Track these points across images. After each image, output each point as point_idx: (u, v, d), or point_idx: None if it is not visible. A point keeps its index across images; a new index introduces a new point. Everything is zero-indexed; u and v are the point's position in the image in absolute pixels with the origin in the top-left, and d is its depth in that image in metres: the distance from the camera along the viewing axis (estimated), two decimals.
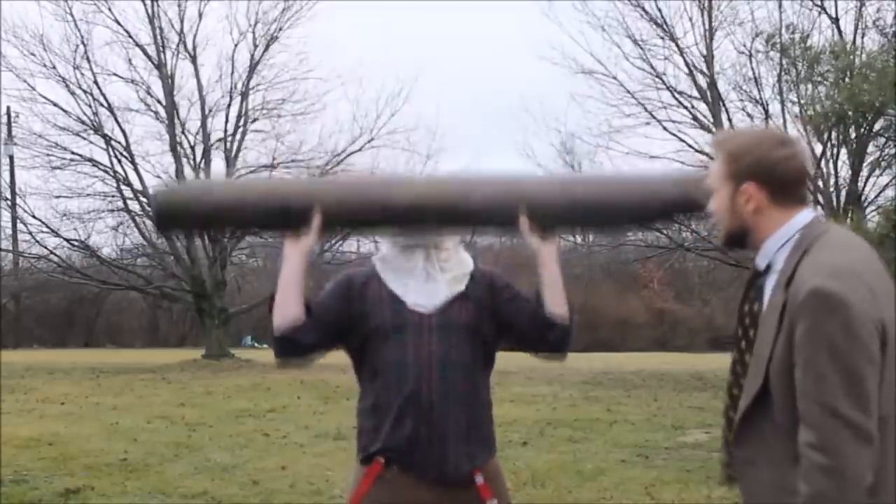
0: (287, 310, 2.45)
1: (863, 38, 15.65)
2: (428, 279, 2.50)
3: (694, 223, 2.61)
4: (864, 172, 15.67)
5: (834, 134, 14.85)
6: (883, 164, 15.48)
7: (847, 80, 13.14)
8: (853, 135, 14.82)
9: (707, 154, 17.10)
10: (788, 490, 1.77)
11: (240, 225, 2.56)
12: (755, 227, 1.93)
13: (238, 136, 20.74)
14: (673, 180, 2.49)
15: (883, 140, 15.08)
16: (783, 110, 16.28)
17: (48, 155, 20.06)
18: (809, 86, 14.77)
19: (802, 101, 15.08)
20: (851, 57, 13.92)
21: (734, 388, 1.96)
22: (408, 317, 2.46)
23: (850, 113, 12.83)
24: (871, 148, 15.40)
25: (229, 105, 20.65)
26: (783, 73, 15.82)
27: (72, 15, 19.55)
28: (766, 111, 16.63)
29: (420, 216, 2.43)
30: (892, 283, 1.86)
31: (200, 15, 20.36)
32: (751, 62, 16.65)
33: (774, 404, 1.80)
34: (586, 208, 2.44)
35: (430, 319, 2.46)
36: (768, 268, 1.92)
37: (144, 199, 20.40)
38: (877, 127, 14.45)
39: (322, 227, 2.43)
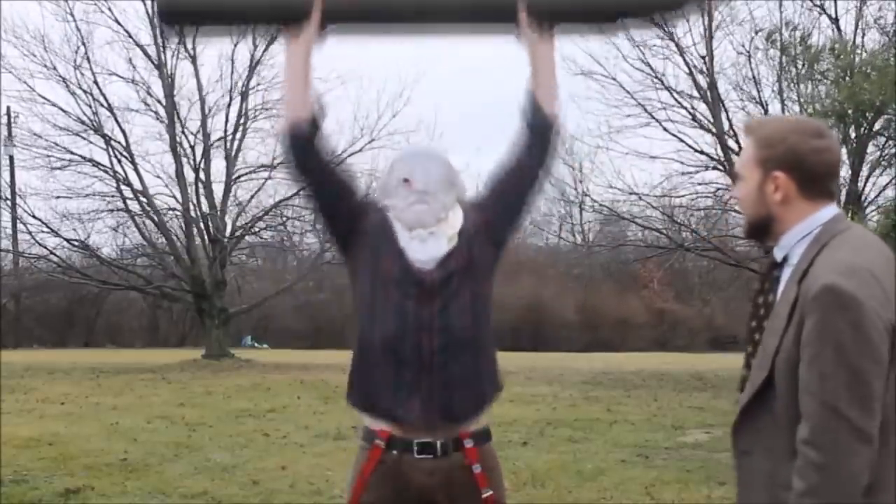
0: (294, 100, 2.49)
1: (863, 37, 15.67)
2: (430, 237, 2.53)
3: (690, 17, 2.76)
4: (864, 172, 15.68)
5: (834, 133, 14.83)
6: (883, 163, 15.48)
7: (847, 78, 13.14)
8: (853, 134, 14.82)
9: (707, 154, 17.17)
10: (781, 484, 1.76)
11: (241, 17, 2.53)
12: (779, 217, 1.90)
13: (238, 136, 20.75)
14: None
15: (883, 139, 15.07)
16: (783, 110, 16.28)
17: (48, 155, 20.06)
18: (809, 84, 14.76)
19: (802, 100, 15.08)
20: (852, 56, 13.92)
21: (747, 381, 1.93)
22: (410, 271, 2.49)
23: (850, 112, 12.82)
24: (870, 148, 15.41)
25: (229, 105, 20.66)
26: (783, 73, 15.84)
27: (72, 15, 19.55)
28: (766, 111, 16.64)
29: (422, 9, 2.44)
30: None
31: None
32: (750, 62, 16.66)
33: (777, 397, 1.79)
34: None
35: (430, 274, 2.49)
36: (785, 260, 1.90)
37: (144, 200, 20.42)
38: (877, 126, 14.44)
39: (322, 18, 2.42)
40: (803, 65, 14.80)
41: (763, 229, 1.94)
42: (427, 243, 2.53)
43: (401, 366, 2.45)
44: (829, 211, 1.88)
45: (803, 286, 1.77)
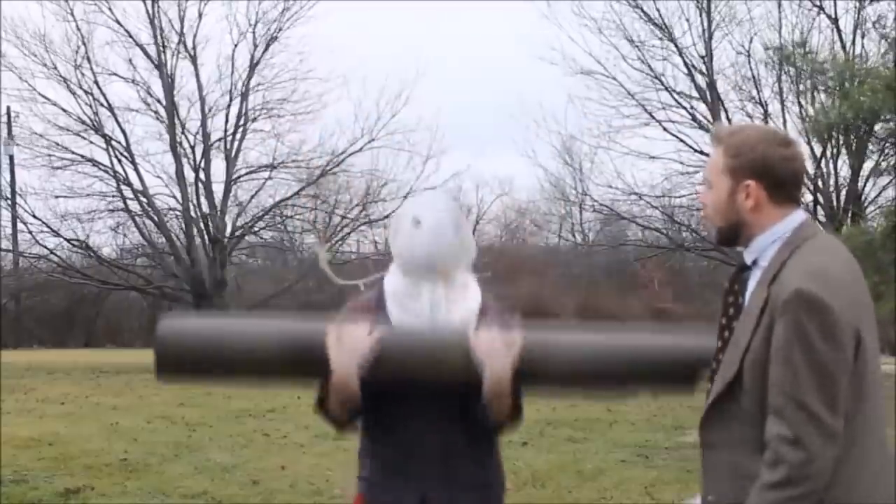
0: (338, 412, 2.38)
1: (863, 38, 15.67)
2: (435, 321, 2.39)
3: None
4: (865, 172, 15.70)
5: (835, 136, 14.85)
6: (883, 163, 15.49)
7: (847, 84, 13.13)
8: (853, 138, 14.82)
9: (707, 154, 17.18)
10: (745, 475, 1.84)
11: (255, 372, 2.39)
12: (750, 223, 1.95)
13: (238, 136, 20.75)
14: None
15: (883, 143, 15.05)
16: (783, 110, 16.33)
17: (48, 155, 20.08)
18: (813, 95, 14.78)
19: (805, 111, 15.14)
20: (853, 65, 13.93)
21: (716, 375, 2.00)
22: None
23: (851, 119, 12.81)
24: (870, 148, 15.40)
25: (229, 105, 20.67)
26: (782, 73, 15.84)
27: (73, 15, 19.58)
28: (766, 111, 16.67)
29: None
30: (868, 295, 1.92)
31: (200, 15, 20.37)
32: (750, 62, 16.68)
33: (744, 393, 1.86)
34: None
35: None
36: (754, 263, 1.96)
37: (144, 200, 20.44)
38: (877, 128, 14.44)
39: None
40: (806, 76, 14.80)
41: (734, 235, 2.00)
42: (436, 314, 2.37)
43: (404, 461, 2.39)
44: (799, 216, 1.95)
45: (773, 289, 1.84)
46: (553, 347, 2.34)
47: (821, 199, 15.87)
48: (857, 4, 15.60)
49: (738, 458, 1.88)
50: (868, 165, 15.66)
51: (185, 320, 2.43)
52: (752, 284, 1.94)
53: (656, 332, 2.45)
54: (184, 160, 20.34)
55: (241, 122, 20.74)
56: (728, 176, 1.96)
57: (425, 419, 2.38)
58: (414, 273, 2.39)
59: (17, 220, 21.55)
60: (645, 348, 2.37)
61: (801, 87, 15.50)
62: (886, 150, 15.14)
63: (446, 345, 2.29)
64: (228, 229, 21.11)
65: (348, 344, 2.26)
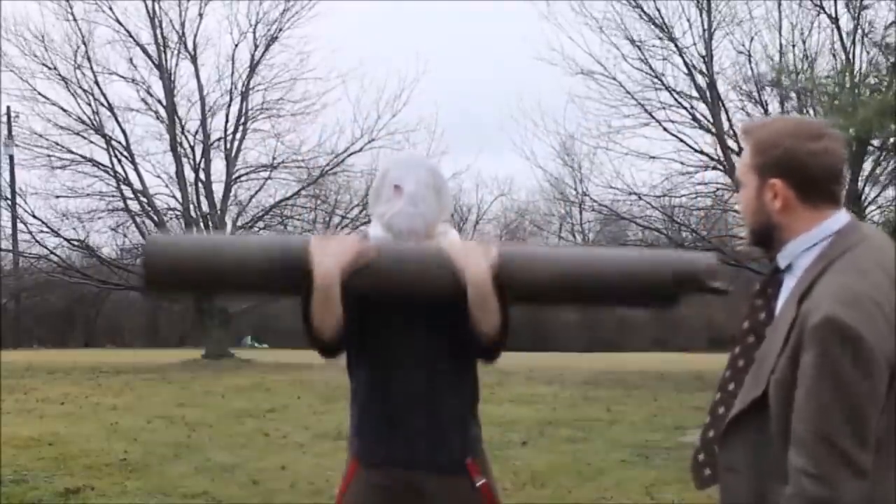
0: (323, 326, 2.40)
1: (863, 37, 15.65)
2: None
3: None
4: (864, 173, 15.69)
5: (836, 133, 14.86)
6: (879, 170, 15.51)
7: (844, 97, 13.13)
8: (852, 148, 14.81)
9: (707, 154, 17.17)
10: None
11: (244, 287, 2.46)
12: (781, 225, 1.81)
13: (238, 136, 20.75)
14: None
15: (879, 153, 15.04)
16: (783, 110, 16.28)
17: (48, 155, 20.07)
18: (812, 108, 14.79)
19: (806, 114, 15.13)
20: (849, 76, 13.96)
21: (731, 383, 1.87)
22: (395, 323, 2.45)
23: (850, 137, 12.81)
24: (869, 150, 15.40)
25: (229, 105, 20.65)
26: (783, 71, 15.84)
27: (73, 14, 19.57)
28: (766, 111, 16.64)
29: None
30: None
31: (201, 15, 20.35)
32: (750, 62, 16.67)
33: (770, 416, 1.74)
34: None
35: (418, 322, 2.44)
36: (789, 267, 1.83)
37: (144, 200, 20.44)
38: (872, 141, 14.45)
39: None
40: (807, 93, 14.82)
41: (766, 237, 1.86)
42: None
43: (386, 418, 2.46)
44: (838, 220, 1.79)
45: (803, 308, 1.69)
46: (532, 257, 2.40)
47: None
48: (855, 5, 15.57)
49: (763, 485, 1.75)
50: (867, 167, 15.64)
51: (172, 236, 2.50)
52: (785, 292, 1.80)
53: (638, 249, 2.56)
54: (184, 160, 20.33)
55: (241, 122, 20.73)
56: (755, 174, 1.82)
57: (413, 384, 2.43)
58: (396, 236, 2.47)
59: (17, 220, 21.54)
60: (627, 259, 2.39)
61: (800, 103, 15.52)
62: (885, 156, 15.14)
63: (427, 255, 2.37)
64: (228, 229, 21.10)
65: (333, 247, 2.33)
